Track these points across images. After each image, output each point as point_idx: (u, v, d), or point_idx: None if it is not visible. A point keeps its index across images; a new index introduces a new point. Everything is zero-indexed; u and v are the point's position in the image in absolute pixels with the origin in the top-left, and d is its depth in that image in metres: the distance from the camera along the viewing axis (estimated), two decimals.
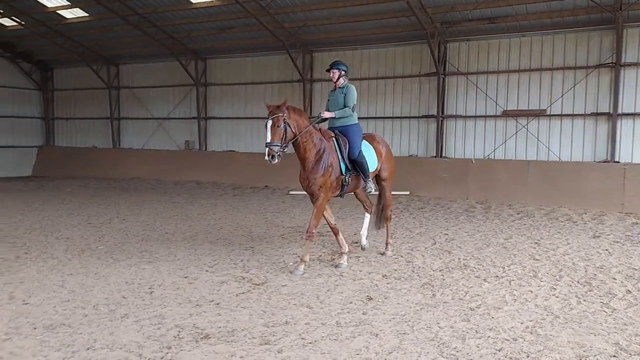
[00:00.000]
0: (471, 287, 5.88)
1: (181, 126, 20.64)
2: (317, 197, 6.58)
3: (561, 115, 14.23)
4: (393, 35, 15.73)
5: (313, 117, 7.16)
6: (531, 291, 5.72)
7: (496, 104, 15.05)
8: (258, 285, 5.88)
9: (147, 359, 3.88)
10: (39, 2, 17.17)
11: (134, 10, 16.61)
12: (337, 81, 7.09)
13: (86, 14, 17.59)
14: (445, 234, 9.18)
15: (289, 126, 6.38)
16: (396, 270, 6.62)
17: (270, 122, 6.35)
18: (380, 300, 5.36)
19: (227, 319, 4.73)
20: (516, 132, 14.82)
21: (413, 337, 4.35)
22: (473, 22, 14.42)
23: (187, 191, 16.21)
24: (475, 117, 15.38)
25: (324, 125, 7.13)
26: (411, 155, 16.18)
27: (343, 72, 7.09)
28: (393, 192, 8.61)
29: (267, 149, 6.32)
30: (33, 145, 22.90)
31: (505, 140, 15.03)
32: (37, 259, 7.13)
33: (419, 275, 6.37)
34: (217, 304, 5.21)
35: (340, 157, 6.77)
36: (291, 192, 15.61)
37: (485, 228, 9.78)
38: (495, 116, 15.14)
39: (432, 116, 15.82)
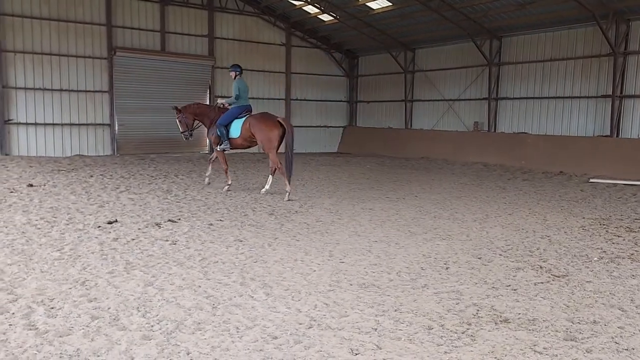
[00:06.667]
0: None
1: (471, 107, 20.59)
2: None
3: None
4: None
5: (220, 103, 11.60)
6: None
7: None
8: (558, 277, 5.57)
9: (449, 331, 4.13)
10: None
11: None
12: (234, 77, 11.13)
13: (390, 3, 18.97)
14: None
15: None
16: None
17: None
18: None
19: (526, 307, 4.65)
20: None
21: None
22: None
23: (474, 173, 16.18)
24: None
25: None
26: None
27: (233, 72, 11.12)
28: None
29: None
30: (339, 126, 26.18)
31: None
32: (348, 225, 8.24)
33: None
34: (514, 289, 5.15)
35: None
36: (592, 180, 14.03)
37: None
38: None
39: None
